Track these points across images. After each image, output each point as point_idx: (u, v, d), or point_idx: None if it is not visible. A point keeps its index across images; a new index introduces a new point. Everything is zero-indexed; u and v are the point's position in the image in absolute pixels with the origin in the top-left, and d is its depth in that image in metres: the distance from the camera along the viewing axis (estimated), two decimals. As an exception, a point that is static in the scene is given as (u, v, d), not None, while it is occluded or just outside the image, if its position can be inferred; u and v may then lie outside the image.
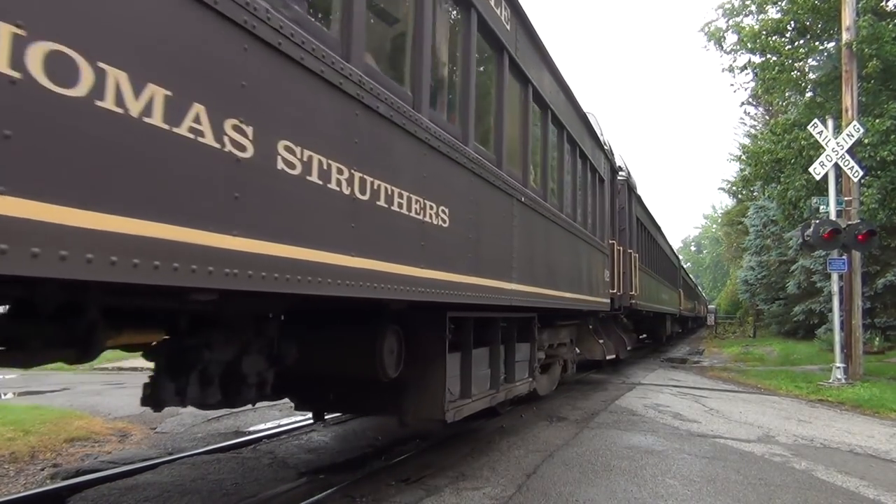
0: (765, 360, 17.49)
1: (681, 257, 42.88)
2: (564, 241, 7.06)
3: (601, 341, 10.01)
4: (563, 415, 7.43)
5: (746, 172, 16.58)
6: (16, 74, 1.46)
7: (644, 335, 21.76)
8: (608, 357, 10.09)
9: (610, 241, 10.13)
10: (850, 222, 11.15)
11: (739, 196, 34.88)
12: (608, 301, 9.44)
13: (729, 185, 39.22)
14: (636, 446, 5.70)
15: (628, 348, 12.05)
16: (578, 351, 9.64)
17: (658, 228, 19.71)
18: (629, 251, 12.12)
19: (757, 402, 9.13)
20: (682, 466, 4.99)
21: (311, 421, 6.31)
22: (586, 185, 8.49)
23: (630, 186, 12.83)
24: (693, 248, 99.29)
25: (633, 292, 12.06)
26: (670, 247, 25.90)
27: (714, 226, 78.43)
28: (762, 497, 4.20)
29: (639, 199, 14.35)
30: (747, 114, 35.02)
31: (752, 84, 17.47)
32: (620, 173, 11.96)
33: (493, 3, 4.72)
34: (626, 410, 7.83)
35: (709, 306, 46.53)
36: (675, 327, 27.73)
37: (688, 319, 34.73)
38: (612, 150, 10.83)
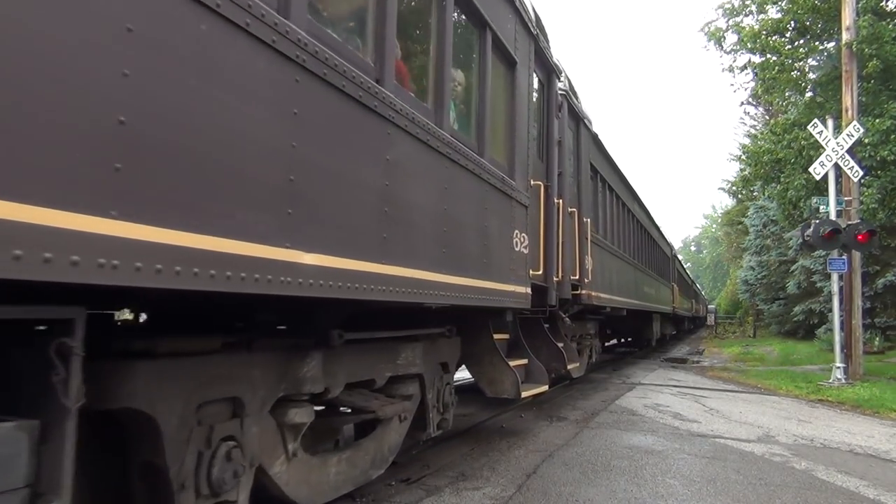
0: (765, 360, 17.49)
1: (680, 257, 42.83)
2: (303, 100, 2.47)
3: (520, 363, 5.82)
4: (563, 415, 7.43)
5: (746, 172, 16.60)
6: None
7: (629, 338, 19.10)
8: (526, 394, 5.53)
9: (533, 183, 5.77)
10: (850, 222, 11.15)
11: (739, 196, 34.95)
12: (526, 290, 5.37)
13: (729, 185, 39.33)
14: (636, 446, 5.70)
15: (571, 366, 7.32)
16: (474, 379, 5.67)
17: (635, 197, 14.76)
18: (571, 210, 7.61)
19: (757, 401, 9.13)
20: (682, 466, 4.99)
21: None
22: (444, 41, 3.88)
23: (578, 113, 8.51)
24: (693, 248, 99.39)
25: (575, 277, 7.72)
26: (659, 231, 20.57)
27: (714, 226, 78.55)
28: (762, 497, 4.20)
29: (595, 139, 9.85)
30: (747, 114, 35.13)
31: (752, 84, 17.53)
32: (560, 84, 7.35)
33: None
34: (626, 410, 7.83)
35: (709, 306, 46.48)
36: (667, 328, 23.83)
37: (684, 319, 31.58)
38: (541, 24, 6.23)
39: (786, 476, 4.77)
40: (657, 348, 21.67)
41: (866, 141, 12.06)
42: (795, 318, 23.64)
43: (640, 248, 15.00)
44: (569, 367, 7.20)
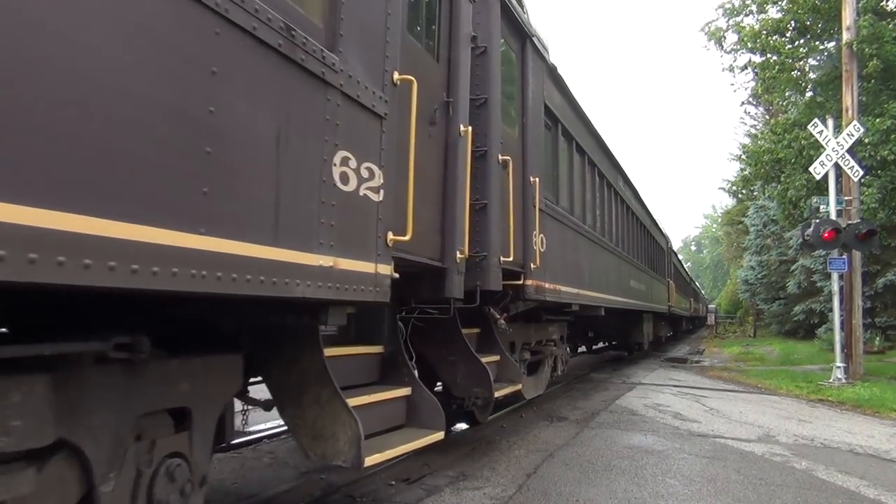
0: (765, 359, 17.50)
1: (681, 256, 42.78)
2: None
3: (392, 395, 3.74)
4: (563, 414, 7.43)
5: (747, 172, 16.60)
6: None
7: (614, 342, 16.65)
8: (375, 459, 3.07)
9: (400, 77, 3.33)
10: (850, 222, 11.15)
11: (739, 196, 34.89)
12: (377, 269, 3.06)
13: (729, 185, 39.21)
14: (636, 446, 5.70)
15: (506, 390, 5.33)
16: (288, 428, 3.31)
17: (619, 171, 11.94)
18: (504, 158, 5.19)
19: (757, 401, 9.13)
20: (683, 466, 4.99)
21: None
22: None
23: (523, 25, 5.96)
24: (693, 248, 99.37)
25: (510, 258, 5.11)
26: (653, 219, 17.53)
27: (714, 225, 78.55)
28: (762, 497, 4.20)
29: (553, 73, 7.07)
30: (747, 113, 35.07)
31: (753, 84, 17.52)
32: None
33: None
34: (626, 410, 7.83)
35: (709, 306, 46.48)
36: (661, 330, 21.40)
37: (682, 319, 29.46)
38: None
39: (786, 476, 4.77)
40: (654, 349, 20.98)
41: (866, 140, 12.06)
42: (796, 318, 23.64)
43: (626, 236, 12.39)
44: (501, 392, 5.11)
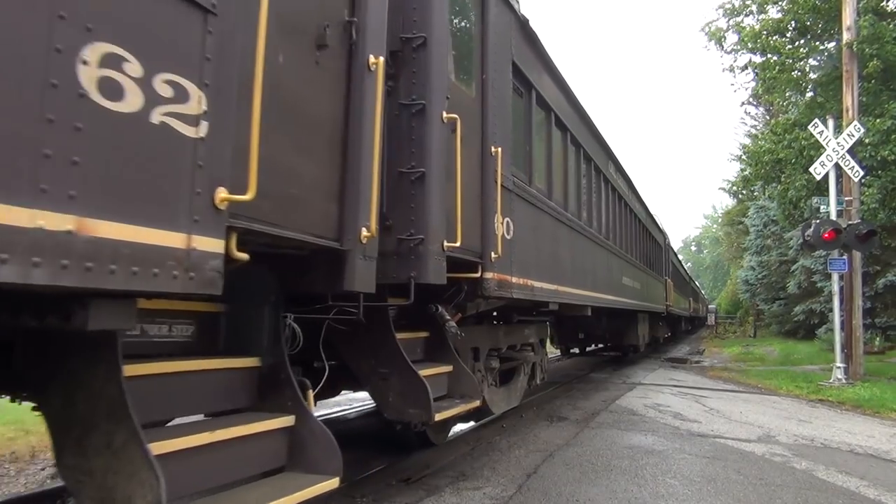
0: (765, 359, 17.51)
1: (681, 257, 42.75)
2: None
3: (264, 427, 2.70)
4: (563, 415, 7.43)
5: (747, 172, 16.64)
6: None
7: (607, 343, 15.48)
8: None
9: None
10: (850, 222, 11.16)
11: (740, 196, 34.93)
12: (190, 241, 1.97)
13: (729, 185, 39.20)
14: (637, 446, 5.70)
15: (454, 410, 4.26)
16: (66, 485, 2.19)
17: (610, 156, 10.52)
18: (450, 117, 4.06)
19: (757, 401, 9.13)
20: (683, 466, 4.98)
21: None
22: None
23: None
24: (693, 248, 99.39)
25: (456, 244, 4.04)
26: (648, 212, 15.96)
27: (714, 226, 78.53)
28: (762, 497, 4.20)
29: (525, 27, 5.90)
30: (748, 114, 35.11)
31: (753, 84, 17.57)
32: None
33: None
34: (626, 410, 7.83)
35: (709, 306, 46.50)
36: (659, 331, 20.12)
37: (681, 320, 28.38)
38: None
39: (786, 476, 4.77)
40: (653, 351, 20.42)
41: (867, 141, 12.08)
42: (796, 318, 23.66)
43: (618, 228, 11.04)
44: (444, 414, 4.07)
